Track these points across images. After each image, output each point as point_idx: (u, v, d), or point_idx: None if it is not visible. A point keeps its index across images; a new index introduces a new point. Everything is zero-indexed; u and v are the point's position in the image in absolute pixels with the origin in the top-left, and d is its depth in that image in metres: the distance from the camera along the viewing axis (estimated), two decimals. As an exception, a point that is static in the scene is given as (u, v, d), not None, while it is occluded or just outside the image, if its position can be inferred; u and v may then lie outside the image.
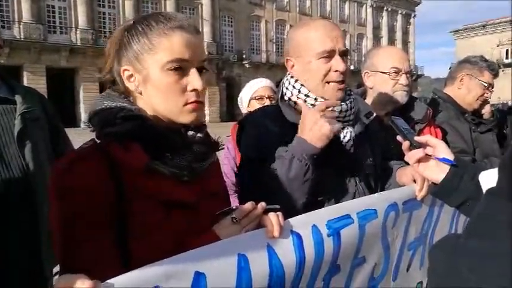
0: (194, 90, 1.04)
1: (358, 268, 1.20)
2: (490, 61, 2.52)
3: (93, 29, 27.79)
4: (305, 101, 1.46)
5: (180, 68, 1.03)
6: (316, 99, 1.45)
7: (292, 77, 1.52)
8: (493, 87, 2.48)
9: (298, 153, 1.30)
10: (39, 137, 1.88)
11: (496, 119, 2.57)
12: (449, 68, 2.66)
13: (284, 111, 1.48)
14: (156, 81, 1.03)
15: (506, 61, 51.85)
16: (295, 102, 1.49)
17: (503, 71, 49.97)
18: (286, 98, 1.52)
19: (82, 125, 25.00)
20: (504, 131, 2.85)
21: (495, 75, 2.49)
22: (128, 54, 1.04)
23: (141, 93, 1.06)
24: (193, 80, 1.03)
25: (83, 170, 0.93)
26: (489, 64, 2.46)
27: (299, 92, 1.48)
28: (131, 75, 1.05)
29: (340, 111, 1.45)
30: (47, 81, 25.85)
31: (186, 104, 1.04)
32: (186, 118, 1.06)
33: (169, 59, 1.01)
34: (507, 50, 52.76)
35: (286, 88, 1.53)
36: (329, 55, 1.43)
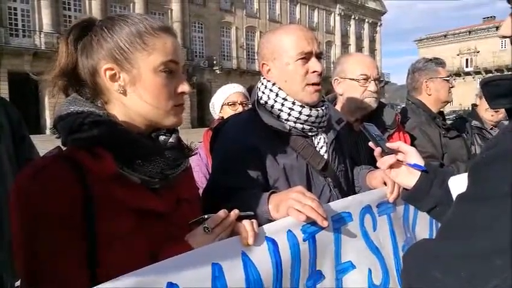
0: (182, 93, 1.05)
1: (346, 274, 1.19)
2: (433, 57, 2.65)
3: (58, 33, 26.86)
4: (282, 105, 1.46)
5: (171, 70, 1.02)
6: (294, 103, 1.46)
7: (268, 81, 1.52)
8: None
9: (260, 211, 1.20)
10: (2, 145, 1.80)
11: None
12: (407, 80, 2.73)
13: (262, 115, 1.47)
14: (147, 82, 1.00)
15: (467, 69, 54.22)
16: (272, 106, 1.48)
17: (463, 78, 52.24)
18: (262, 102, 1.51)
19: (47, 131, 24.11)
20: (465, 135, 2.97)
21: (444, 67, 2.62)
22: (110, 52, 0.99)
23: (123, 94, 1.01)
24: (183, 83, 1.04)
25: (48, 179, 0.88)
26: (436, 62, 2.58)
27: (277, 95, 1.48)
28: (115, 74, 1.00)
29: (317, 117, 1.47)
30: (10, 86, 24.81)
31: (174, 106, 1.04)
32: (170, 121, 1.05)
33: (163, 60, 1.00)
34: (467, 59, 55.19)
35: (263, 92, 1.52)
36: (306, 57, 1.45)
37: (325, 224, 1.07)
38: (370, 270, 1.25)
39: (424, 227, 1.55)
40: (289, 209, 1.10)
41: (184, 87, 1.05)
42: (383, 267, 1.29)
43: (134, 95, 1.02)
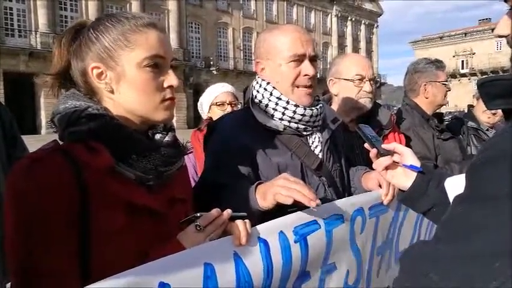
0: (170, 86, 1.04)
1: (329, 275, 1.20)
2: (434, 59, 2.62)
3: (54, 33, 26.74)
4: (276, 104, 1.46)
5: (156, 64, 1.02)
6: (288, 102, 1.46)
7: (263, 80, 1.52)
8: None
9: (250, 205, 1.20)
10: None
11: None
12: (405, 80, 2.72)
13: (256, 115, 1.47)
14: (132, 78, 1.00)
15: (462, 71, 54.46)
16: (266, 105, 1.48)
17: (459, 80, 52.46)
18: (256, 100, 1.51)
19: (43, 131, 24.00)
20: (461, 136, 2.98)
21: (444, 70, 2.60)
22: (96, 51, 1.01)
23: (112, 92, 1.02)
24: (170, 76, 1.04)
25: (43, 172, 0.87)
26: (436, 65, 2.56)
27: (271, 94, 1.48)
28: (101, 73, 1.01)
29: (311, 116, 1.47)
30: (5, 86, 24.69)
31: (163, 101, 1.04)
32: (161, 115, 1.05)
33: (147, 56, 1.00)
34: (462, 61, 55.42)
35: (257, 91, 1.52)
36: (299, 59, 1.45)
37: (312, 204, 1.07)
38: (348, 271, 1.26)
39: (408, 231, 1.57)
40: (276, 195, 1.12)
41: (171, 80, 1.04)
42: (358, 269, 1.31)
43: (121, 92, 1.02)
